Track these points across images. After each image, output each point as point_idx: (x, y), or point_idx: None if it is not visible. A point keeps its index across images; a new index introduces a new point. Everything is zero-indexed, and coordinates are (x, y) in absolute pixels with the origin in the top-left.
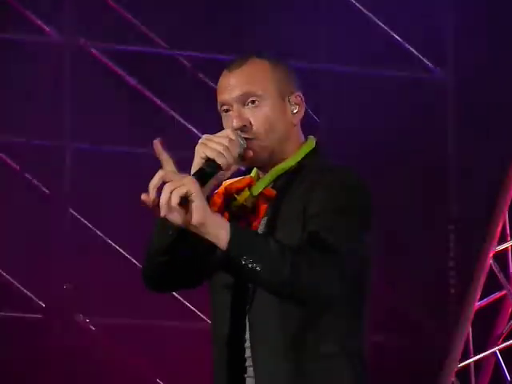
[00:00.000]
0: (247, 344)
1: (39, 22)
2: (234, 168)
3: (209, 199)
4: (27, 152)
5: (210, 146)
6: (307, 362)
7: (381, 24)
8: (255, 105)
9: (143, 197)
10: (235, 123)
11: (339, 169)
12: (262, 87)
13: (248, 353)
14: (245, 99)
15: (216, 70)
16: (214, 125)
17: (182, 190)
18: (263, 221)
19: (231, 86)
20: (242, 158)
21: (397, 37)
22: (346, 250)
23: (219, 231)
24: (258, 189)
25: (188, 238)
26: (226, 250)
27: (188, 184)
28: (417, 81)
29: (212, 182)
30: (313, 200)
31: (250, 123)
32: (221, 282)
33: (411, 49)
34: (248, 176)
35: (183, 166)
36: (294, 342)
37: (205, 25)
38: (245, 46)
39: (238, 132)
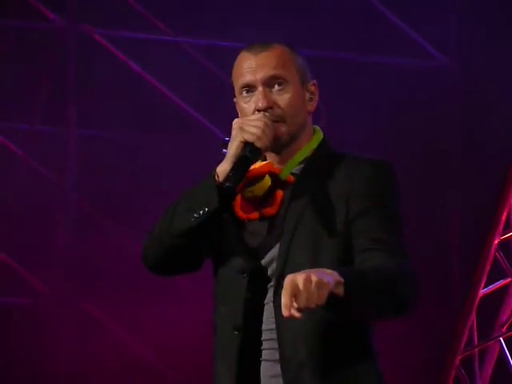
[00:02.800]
0: (264, 327)
1: (43, 8)
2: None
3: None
4: (31, 138)
5: (248, 130)
6: (332, 353)
7: (384, 10)
8: (282, 88)
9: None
10: (261, 103)
11: (381, 163)
12: (288, 72)
13: (265, 335)
14: (272, 82)
15: (218, 56)
16: (216, 110)
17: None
18: (284, 207)
19: (257, 67)
20: (273, 140)
21: (401, 23)
22: (407, 252)
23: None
24: (284, 175)
25: (210, 224)
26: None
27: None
28: (420, 67)
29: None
30: (358, 193)
31: (277, 105)
32: (235, 267)
33: (415, 35)
34: (268, 161)
35: (184, 149)
36: (320, 332)
37: (206, 12)
38: (243, 34)
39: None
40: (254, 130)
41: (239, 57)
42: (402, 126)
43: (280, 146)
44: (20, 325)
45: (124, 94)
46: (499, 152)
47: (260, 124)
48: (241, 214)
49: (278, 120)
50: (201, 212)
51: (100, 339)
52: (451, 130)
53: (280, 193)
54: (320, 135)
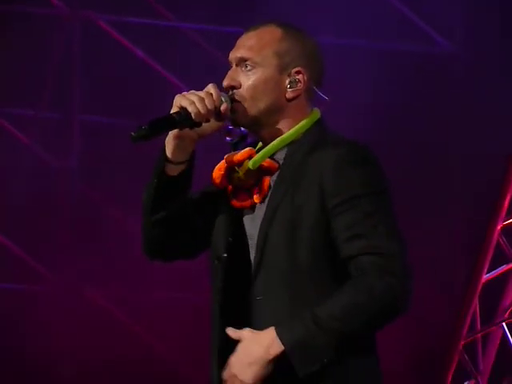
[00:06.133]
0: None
1: None
2: (214, 125)
3: (192, 159)
4: (36, 124)
5: (186, 97)
6: None
7: None
8: (249, 69)
9: None
10: (225, 82)
11: (350, 145)
12: (261, 55)
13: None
14: (242, 62)
15: (222, 42)
16: None
17: None
18: (269, 194)
19: (238, 46)
20: (219, 112)
21: (406, 10)
22: (397, 250)
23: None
24: (256, 161)
25: (172, 192)
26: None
27: None
28: (426, 54)
29: (190, 135)
30: (329, 186)
31: (240, 85)
32: (214, 255)
33: (421, 22)
34: (248, 148)
35: None
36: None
37: None
38: (251, 19)
39: (230, 91)
40: (191, 96)
41: None
42: (407, 112)
43: (242, 124)
44: (24, 311)
45: (128, 79)
46: (506, 140)
47: (200, 93)
48: (234, 202)
49: (237, 99)
50: (155, 180)
51: (103, 326)
52: (456, 115)
53: (267, 179)
54: (312, 119)
